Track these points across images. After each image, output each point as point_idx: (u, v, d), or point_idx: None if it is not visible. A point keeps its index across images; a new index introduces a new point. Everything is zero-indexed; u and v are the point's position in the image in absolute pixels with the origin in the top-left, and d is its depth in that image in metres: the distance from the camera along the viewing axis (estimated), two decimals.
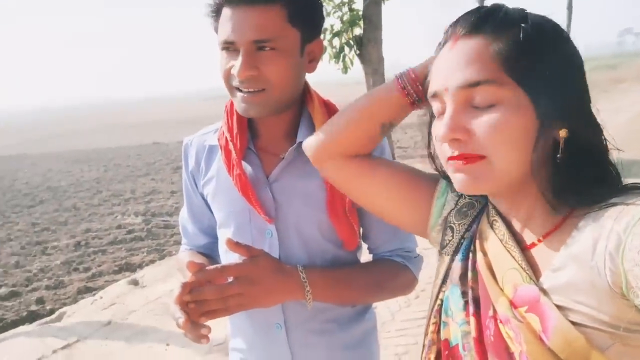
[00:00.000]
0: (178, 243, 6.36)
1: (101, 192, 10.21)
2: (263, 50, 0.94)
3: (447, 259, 0.78)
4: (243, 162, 1.04)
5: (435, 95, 0.67)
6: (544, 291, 0.61)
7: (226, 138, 1.06)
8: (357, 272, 1.09)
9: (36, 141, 24.17)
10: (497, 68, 0.61)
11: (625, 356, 0.57)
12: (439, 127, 0.65)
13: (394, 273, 1.11)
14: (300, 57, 1.00)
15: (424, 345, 0.78)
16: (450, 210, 0.81)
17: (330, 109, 1.09)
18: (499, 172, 0.62)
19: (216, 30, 1.00)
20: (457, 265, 0.75)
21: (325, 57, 8.26)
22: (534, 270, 0.65)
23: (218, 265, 0.90)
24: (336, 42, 7.90)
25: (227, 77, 0.98)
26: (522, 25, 0.62)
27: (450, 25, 0.68)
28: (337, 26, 7.90)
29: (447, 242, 0.79)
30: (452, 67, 0.64)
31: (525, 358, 0.61)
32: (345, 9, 7.87)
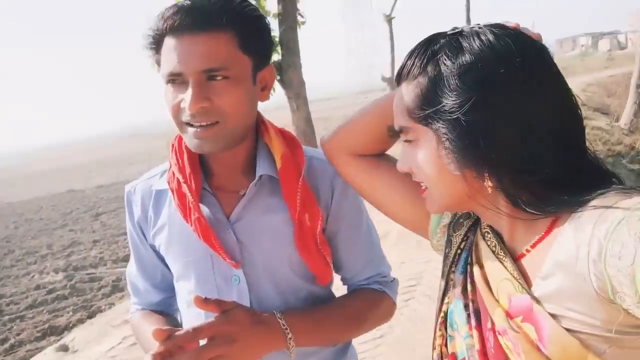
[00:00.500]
0: (107, 296, 5.92)
1: (13, 252, 9.32)
2: (214, 80, 0.86)
3: (445, 271, 0.80)
4: (200, 205, 0.94)
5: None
6: (536, 300, 0.62)
7: (178, 180, 0.95)
8: (336, 308, 1.03)
9: None
10: (408, 117, 0.70)
11: (623, 358, 0.58)
12: None
13: (374, 303, 1.06)
14: (252, 85, 0.92)
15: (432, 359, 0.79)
16: (450, 221, 0.84)
17: (286, 137, 1.02)
18: (438, 198, 0.72)
19: (158, 62, 0.91)
20: (458, 279, 0.76)
21: None
22: (526, 279, 0.66)
23: (189, 329, 0.77)
24: None
25: (177, 112, 0.89)
26: (420, 76, 0.67)
27: None
28: None
29: (446, 254, 0.82)
30: (393, 111, 0.75)
31: None
32: None
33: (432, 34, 0.70)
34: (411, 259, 4.35)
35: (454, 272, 0.78)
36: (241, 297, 0.97)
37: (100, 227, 10.26)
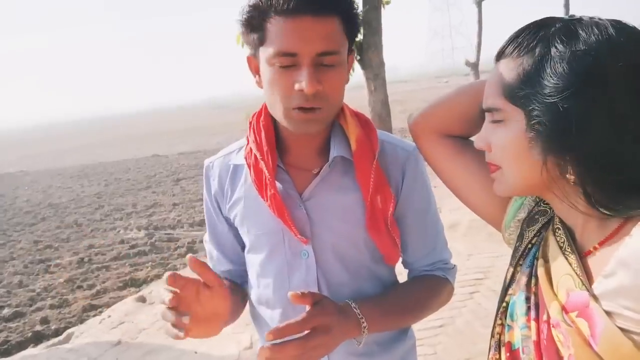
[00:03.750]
0: (182, 256, 6.28)
1: (103, 207, 10.14)
2: (324, 65, 0.87)
3: (513, 263, 0.81)
4: (275, 181, 0.97)
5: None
6: (594, 297, 0.62)
7: (255, 156, 0.99)
8: (404, 295, 1.05)
9: (36, 158, 24.11)
10: (503, 96, 0.69)
11: None
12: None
13: (437, 289, 1.08)
14: (347, 72, 0.94)
15: (490, 347, 0.80)
16: (525, 217, 0.83)
17: (361, 120, 1.03)
18: (511, 180, 0.72)
19: (248, 42, 0.92)
20: (524, 272, 0.77)
21: None
22: (589, 277, 0.66)
23: (296, 321, 0.81)
24: None
25: (289, 94, 0.89)
26: (526, 55, 0.66)
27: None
28: None
29: (516, 247, 0.82)
30: (486, 88, 0.75)
31: None
32: None
33: (545, 17, 0.70)
34: (480, 251, 4.24)
35: (521, 265, 0.78)
36: (309, 272, 1.00)
37: (180, 192, 10.86)
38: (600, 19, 0.65)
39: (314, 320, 0.83)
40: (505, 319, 0.77)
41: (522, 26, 0.70)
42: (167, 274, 0.76)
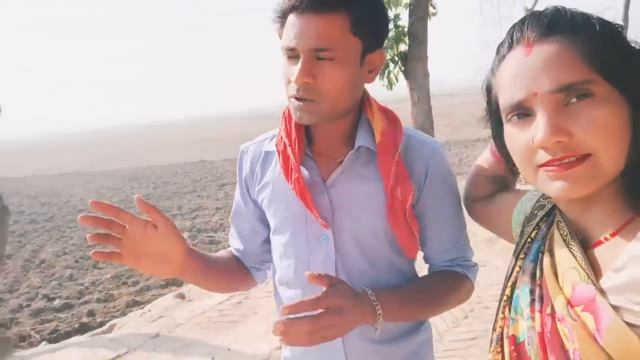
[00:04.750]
0: None
1: None
2: (321, 59, 0.93)
3: (512, 258, 0.80)
4: (301, 167, 1.03)
5: (519, 104, 0.65)
6: (601, 291, 0.61)
7: (284, 143, 1.05)
8: (422, 289, 1.07)
9: (90, 160, 25.33)
10: (585, 67, 0.60)
11: None
12: (536, 133, 0.62)
13: (457, 286, 1.09)
14: (359, 66, 0.98)
15: (491, 340, 0.79)
16: (525, 216, 0.85)
17: (388, 115, 1.07)
18: (605, 168, 0.61)
19: (280, 36, 1.00)
20: (528, 267, 0.76)
21: None
22: (596, 270, 0.64)
23: (310, 299, 0.86)
24: None
25: (287, 83, 0.98)
26: (596, 22, 0.62)
27: (514, 32, 0.67)
28: None
29: (517, 243, 0.83)
30: (536, 72, 0.62)
31: (579, 356, 0.61)
32: (391, 25, 7.89)
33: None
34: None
35: (522, 259, 0.78)
36: (328, 256, 1.05)
37: (223, 196, 11.13)
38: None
39: (328, 300, 0.86)
40: (510, 312, 0.77)
41: (544, 9, 0.66)
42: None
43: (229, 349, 3.33)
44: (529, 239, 0.79)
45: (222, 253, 1.21)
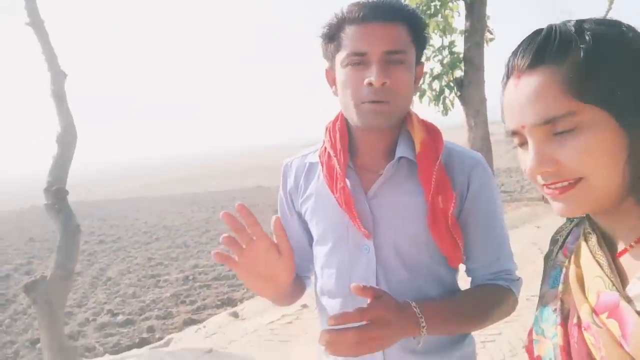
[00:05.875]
0: None
1: (209, 232, 10.86)
2: (392, 63, 0.98)
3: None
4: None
5: (513, 133, 0.67)
6: (627, 298, 0.60)
7: (329, 154, 1.09)
8: (466, 302, 1.05)
9: (152, 185, 26.55)
10: (568, 97, 0.60)
11: None
12: (527, 162, 0.65)
13: (501, 300, 1.06)
14: (414, 74, 1.03)
15: None
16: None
17: (429, 128, 1.09)
18: (599, 190, 0.61)
19: (329, 53, 1.05)
20: (547, 291, 0.76)
21: (425, 100, 8.26)
22: (623, 278, 0.63)
23: (357, 311, 0.86)
24: (436, 84, 7.88)
25: (357, 90, 0.99)
26: (581, 46, 0.60)
27: (510, 59, 0.67)
28: (437, 69, 7.89)
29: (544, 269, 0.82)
30: (523, 105, 0.63)
31: None
32: (446, 52, 7.88)
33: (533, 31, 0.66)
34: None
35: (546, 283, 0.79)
36: (369, 266, 1.05)
37: None
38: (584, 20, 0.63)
39: (374, 312, 0.86)
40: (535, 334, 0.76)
41: (532, 35, 0.65)
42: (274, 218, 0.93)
43: None
44: (553, 264, 0.79)
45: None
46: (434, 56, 7.90)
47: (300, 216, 1.19)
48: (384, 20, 0.97)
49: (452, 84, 7.73)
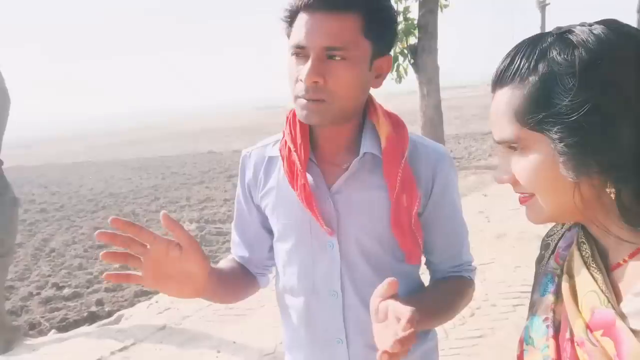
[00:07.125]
0: (229, 250, 6.45)
1: (158, 199, 10.58)
2: (332, 59, 0.91)
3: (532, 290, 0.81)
4: (305, 174, 1.02)
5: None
6: (621, 315, 0.60)
7: (289, 148, 1.04)
8: (437, 297, 1.06)
9: (100, 149, 25.49)
10: (515, 123, 0.64)
11: None
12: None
13: (466, 291, 1.09)
14: (367, 70, 0.96)
15: None
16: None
17: (393, 119, 1.06)
18: (547, 208, 0.66)
19: (288, 35, 0.98)
20: (538, 299, 0.76)
21: None
22: (617, 293, 0.63)
23: (408, 320, 0.78)
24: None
25: (294, 82, 0.96)
26: (531, 77, 0.62)
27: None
28: None
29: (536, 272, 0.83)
30: (491, 120, 0.69)
31: None
32: (400, 18, 7.82)
33: (536, 34, 0.66)
34: (528, 263, 4.09)
35: (536, 290, 0.78)
36: (333, 263, 1.04)
37: (231, 188, 11.11)
38: (591, 23, 0.62)
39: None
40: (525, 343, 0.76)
41: (511, 50, 0.67)
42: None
43: (234, 342, 3.35)
44: (544, 270, 0.79)
45: (227, 263, 1.19)
46: None
47: (258, 210, 1.15)
48: (329, 9, 0.90)
49: (406, 51, 7.72)
